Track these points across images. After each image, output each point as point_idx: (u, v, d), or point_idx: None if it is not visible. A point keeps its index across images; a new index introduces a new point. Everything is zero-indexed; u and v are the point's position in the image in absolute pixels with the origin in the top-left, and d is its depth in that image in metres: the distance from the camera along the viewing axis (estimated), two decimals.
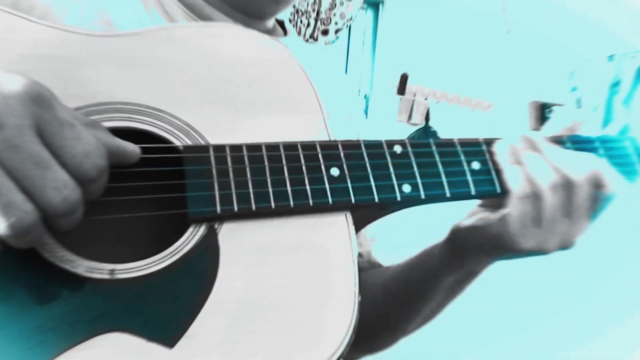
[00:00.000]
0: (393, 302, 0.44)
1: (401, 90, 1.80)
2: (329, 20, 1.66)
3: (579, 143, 0.38)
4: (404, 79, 1.79)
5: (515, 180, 0.34)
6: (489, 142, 0.36)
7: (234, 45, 0.35)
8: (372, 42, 1.84)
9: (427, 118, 1.85)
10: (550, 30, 1.92)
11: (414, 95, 1.82)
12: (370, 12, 1.86)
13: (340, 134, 0.35)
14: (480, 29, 1.88)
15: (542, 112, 1.94)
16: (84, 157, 0.25)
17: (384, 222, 0.50)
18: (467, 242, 0.38)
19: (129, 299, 0.27)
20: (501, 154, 0.35)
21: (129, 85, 0.32)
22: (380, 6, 1.83)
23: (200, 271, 0.28)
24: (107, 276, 0.27)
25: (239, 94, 0.33)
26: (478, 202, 0.39)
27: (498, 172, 0.35)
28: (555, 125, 0.38)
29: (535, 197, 0.33)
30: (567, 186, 0.33)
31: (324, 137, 0.34)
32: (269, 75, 0.34)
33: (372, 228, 0.48)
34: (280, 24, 0.50)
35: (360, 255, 0.48)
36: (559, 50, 1.92)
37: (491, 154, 0.36)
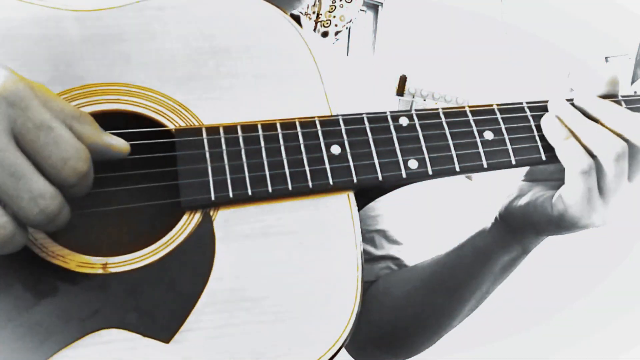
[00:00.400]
0: (437, 293, 0.42)
1: (400, 91, 1.80)
2: (328, 22, 1.66)
3: None
4: (402, 80, 1.80)
5: (571, 156, 0.32)
6: (503, 109, 0.34)
7: (227, 14, 0.33)
8: (371, 44, 1.84)
9: None
10: (548, 32, 1.93)
11: (413, 96, 1.83)
12: (369, 14, 1.87)
13: None
14: (479, 30, 1.89)
15: None
16: (62, 164, 0.24)
17: (410, 225, 0.47)
18: (524, 221, 0.36)
19: (123, 294, 0.26)
20: (550, 130, 0.33)
21: (117, 64, 0.30)
22: (380, 8, 1.84)
23: (195, 261, 0.27)
24: (99, 271, 0.27)
25: (233, 67, 0.31)
26: (522, 175, 0.37)
27: (513, 142, 0.33)
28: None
29: (597, 170, 0.31)
30: (632, 153, 0.31)
31: (324, 111, 0.32)
32: (265, 45, 0.32)
33: (399, 231, 0.46)
34: (296, 18, 0.48)
35: (385, 258, 0.46)
36: (557, 51, 1.94)
37: (506, 121, 0.33)
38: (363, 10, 1.80)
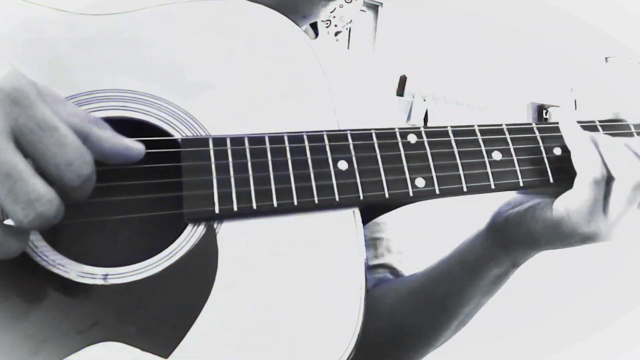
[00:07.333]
0: (425, 306, 0.41)
1: (400, 91, 1.80)
2: (328, 23, 1.65)
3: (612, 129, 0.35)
4: (402, 80, 1.79)
5: (587, 163, 0.31)
6: (512, 129, 0.33)
7: (238, 24, 0.32)
8: (371, 44, 1.84)
9: (425, 119, 1.86)
10: (548, 33, 1.93)
11: (413, 97, 1.82)
12: (369, 14, 1.86)
13: None
14: (479, 30, 1.89)
15: (540, 113, 1.95)
16: (66, 167, 0.23)
17: (414, 236, 0.47)
18: (520, 229, 0.35)
19: (123, 306, 0.26)
20: (571, 132, 0.32)
21: (124, 70, 0.30)
22: (380, 8, 1.84)
23: (197, 275, 0.27)
24: (100, 281, 0.26)
25: (241, 77, 0.31)
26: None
27: (521, 163, 0.33)
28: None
29: (609, 187, 0.31)
30: None
31: (331, 125, 0.31)
32: (274, 56, 0.32)
33: (401, 241, 0.46)
34: (313, 25, 0.48)
35: (383, 266, 0.45)
36: (557, 52, 1.94)
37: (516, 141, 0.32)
38: (363, 11, 1.79)
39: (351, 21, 1.68)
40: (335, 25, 1.64)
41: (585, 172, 0.31)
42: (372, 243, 0.45)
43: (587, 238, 0.33)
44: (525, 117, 1.95)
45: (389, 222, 0.46)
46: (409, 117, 1.84)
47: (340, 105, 0.32)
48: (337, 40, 1.67)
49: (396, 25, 1.82)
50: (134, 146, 0.27)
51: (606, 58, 1.99)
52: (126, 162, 0.27)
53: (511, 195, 0.37)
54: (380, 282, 0.45)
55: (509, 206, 0.36)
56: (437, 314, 0.41)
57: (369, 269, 0.45)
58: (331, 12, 1.64)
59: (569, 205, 0.32)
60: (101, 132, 0.25)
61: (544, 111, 1.94)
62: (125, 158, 0.26)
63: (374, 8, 1.86)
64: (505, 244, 0.37)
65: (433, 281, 0.41)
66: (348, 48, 1.79)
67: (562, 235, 0.33)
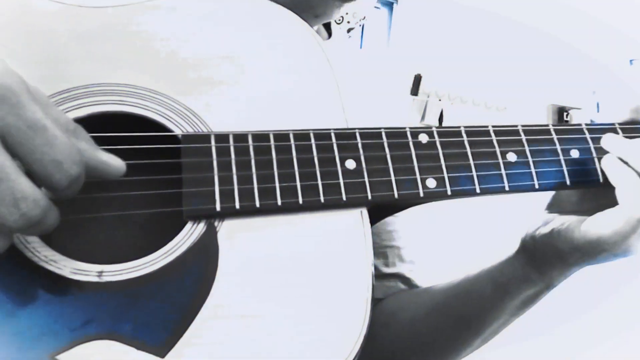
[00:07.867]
0: (448, 322, 0.40)
1: (414, 90, 1.78)
2: (341, 19, 1.64)
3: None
4: (417, 79, 1.77)
5: (637, 202, 0.30)
6: (528, 130, 0.32)
7: (244, 19, 0.31)
8: (385, 42, 1.82)
9: (440, 119, 1.83)
10: (570, 34, 1.88)
11: (428, 96, 1.80)
12: (384, 11, 1.84)
13: None
14: (496, 30, 1.85)
15: (560, 115, 1.90)
16: (55, 167, 0.22)
17: (426, 245, 0.47)
18: (548, 249, 0.34)
19: (118, 303, 0.25)
20: (614, 172, 0.31)
21: (123, 64, 0.29)
22: (394, 5, 1.81)
23: (196, 274, 0.26)
24: (94, 278, 0.26)
25: (246, 74, 0.30)
26: (545, 207, 0.36)
27: (537, 165, 0.31)
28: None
29: None
30: None
31: (339, 123, 0.30)
32: (280, 51, 0.31)
33: (413, 250, 0.45)
34: (326, 25, 0.48)
35: (395, 276, 0.45)
36: (579, 53, 1.88)
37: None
38: (377, 7, 1.78)
39: (365, 18, 1.66)
40: (348, 22, 1.63)
41: (631, 210, 0.30)
42: (382, 251, 0.44)
43: (618, 256, 0.32)
44: (545, 119, 1.90)
45: (400, 230, 0.45)
46: (423, 117, 1.82)
47: (354, 104, 0.31)
48: (350, 37, 1.65)
49: (411, 23, 1.80)
50: (113, 162, 0.26)
51: (630, 60, 1.93)
52: (101, 177, 0.26)
53: (539, 216, 0.36)
54: (393, 293, 0.44)
55: (537, 226, 0.36)
56: (461, 330, 0.41)
57: (380, 278, 0.44)
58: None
59: (602, 230, 0.31)
60: (77, 142, 0.24)
61: (565, 113, 1.89)
62: (99, 172, 0.25)
63: (389, 5, 1.84)
64: (537, 265, 0.36)
65: (460, 298, 0.40)
66: (361, 46, 1.78)
67: (592, 256, 0.33)
